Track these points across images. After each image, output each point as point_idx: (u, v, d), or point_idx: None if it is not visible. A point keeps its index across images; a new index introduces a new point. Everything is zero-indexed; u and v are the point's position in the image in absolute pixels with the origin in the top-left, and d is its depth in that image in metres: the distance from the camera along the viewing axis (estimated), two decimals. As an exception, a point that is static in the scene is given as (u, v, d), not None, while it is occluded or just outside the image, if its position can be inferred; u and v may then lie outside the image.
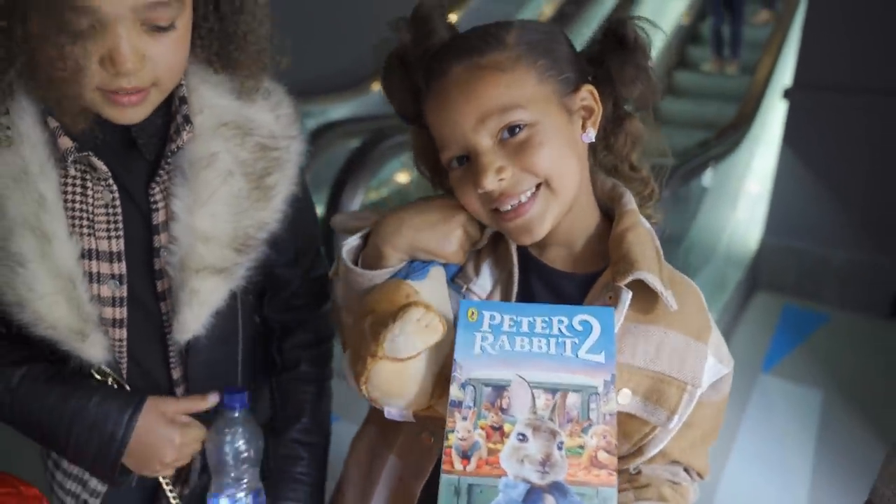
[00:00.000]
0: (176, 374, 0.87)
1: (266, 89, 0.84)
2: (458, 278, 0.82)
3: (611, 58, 0.76)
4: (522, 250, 0.80)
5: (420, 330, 0.69)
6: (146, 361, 0.85)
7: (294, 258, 0.93)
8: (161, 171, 0.79)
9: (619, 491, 0.76)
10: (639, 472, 0.82)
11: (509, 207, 0.72)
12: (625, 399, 0.74)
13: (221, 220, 0.79)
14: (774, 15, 5.63)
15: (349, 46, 4.30)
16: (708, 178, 3.12)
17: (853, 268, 3.53)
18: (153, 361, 0.85)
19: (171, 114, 0.78)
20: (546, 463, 0.63)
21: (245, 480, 0.87)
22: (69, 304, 0.75)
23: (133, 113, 0.72)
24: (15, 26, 0.63)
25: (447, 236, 0.77)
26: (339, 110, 4.00)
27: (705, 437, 0.82)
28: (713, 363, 0.76)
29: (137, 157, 0.79)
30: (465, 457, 0.64)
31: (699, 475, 0.85)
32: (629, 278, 0.71)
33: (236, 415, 0.86)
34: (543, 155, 0.71)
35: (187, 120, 0.78)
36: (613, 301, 0.72)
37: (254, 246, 0.82)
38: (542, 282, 0.79)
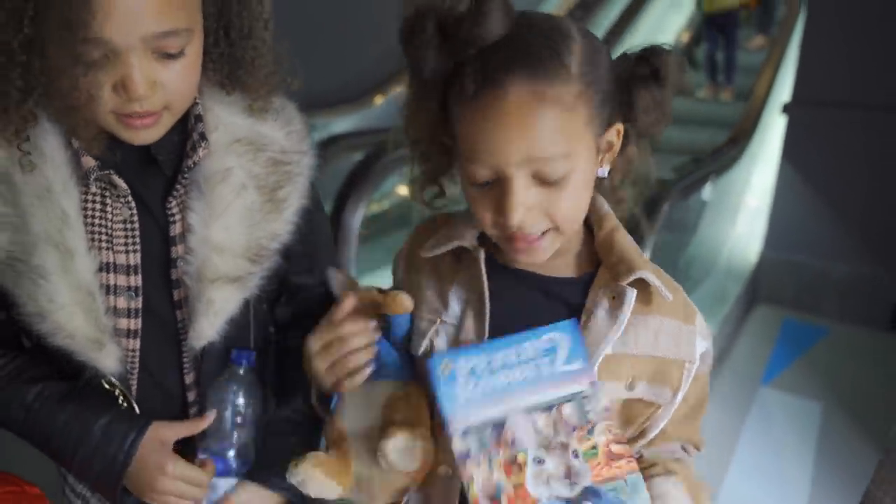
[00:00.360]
0: (189, 379, 0.89)
1: (277, 107, 0.88)
2: (426, 314, 0.82)
3: (639, 89, 0.73)
4: (492, 264, 0.80)
5: (408, 456, 0.72)
6: (160, 369, 0.88)
7: (309, 269, 0.96)
8: (178, 186, 0.82)
9: None
10: (641, 457, 0.84)
11: (520, 238, 0.73)
12: (638, 388, 0.78)
13: (235, 231, 0.83)
14: (769, 40, 5.65)
15: (352, 60, 4.35)
16: (707, 192, 3.15)
17: (852, 281, 3.55)
18: (167, 368, 0.88)
19: (188, 131, 0.82)
20: (569, 474, 0.66)
21: (236, 442, 0.89)
22: (87, 316, 0.78)
23: (146, 134, 0.76)
24: (33, 59, 0.67)
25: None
26: (342, 124, 4.04)
27: (695, 409, 0.85)
28: (699, 340, 0.82)
29: (156, 173, 0.83)
30: (495, 498, 0.65)
31: (696, 448, 0.88)
32: (631, 278, 0.75)
33: (241, 371, 0.89)
34: (569, 204, 0.71)
35: (203, 137, 0.82)
36: (618, 301, 0.75)
37: (266, 256, 0.86)
38: (520, 291, 0.80)
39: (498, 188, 0.69)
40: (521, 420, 0.68)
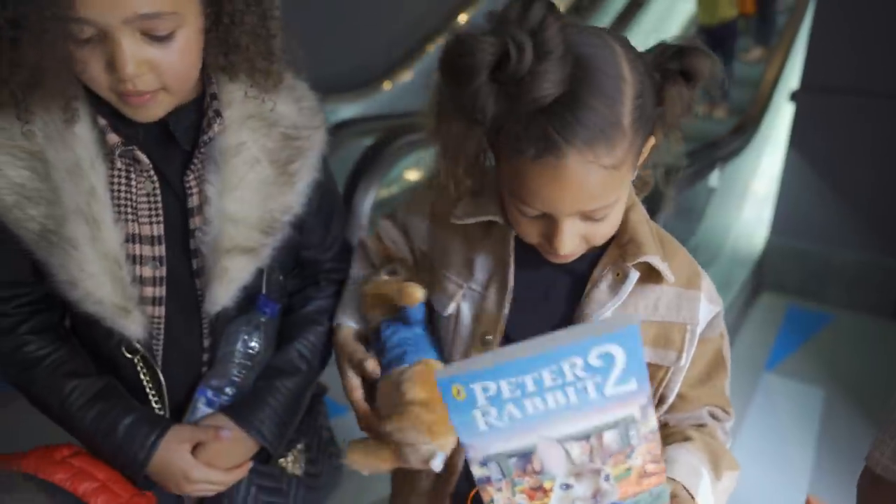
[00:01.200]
0: (206, 342, 0.94)
1: (289, 85, 0.92)
2: (452, 276, 0.87)
3: (670, 84, 0.73)
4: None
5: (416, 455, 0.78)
6: (182, 334, 0.93)
7: (321, 240, 1.01)
8: (195, 160, 0.87)
9: None
10: (665, 425, 0.88)
11: (558, 256, 0.79)
12: (645, 353, 0.82)
13: (249, 203, 0.88)
14: (768, 52, 5.31)
15: (360, 46, 4.35)
16: (715, 178, 3.16)
17: (858, 269, 3.56)
18: (188, 333, 0.93)
19: (204, 108, 0.87)
20: (597, 495, 0.62)
21: (237, 383, 0.93)
22: (114, 283, 0.83)
23: (145, 112, 0.80)
24: (22, 35, 0.70)
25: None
26: (350, 109, 4.05)
27: (710, 373, 0.89)
28: (706, 304, 0.85)
29: (174, 149, 0.87)
30: None
31: (724, 411, 0.90)
32: (637, 260, 0.80)
33: (262, 319, 0.94)
34: (608, 231, 0.78)
35: (218, 114, 0.86)
36: (621, 278, 0.81)
37: (279, 228, 0.91)
38: (537, 262, 0.83)
39: (545, 220, 0.74)
40: (553, 450, 0.59)
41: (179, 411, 0.96)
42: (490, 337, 0.85)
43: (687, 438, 0.83)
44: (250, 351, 0.93)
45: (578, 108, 0.65)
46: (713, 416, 0.90)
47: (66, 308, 0.91)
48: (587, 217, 0.73)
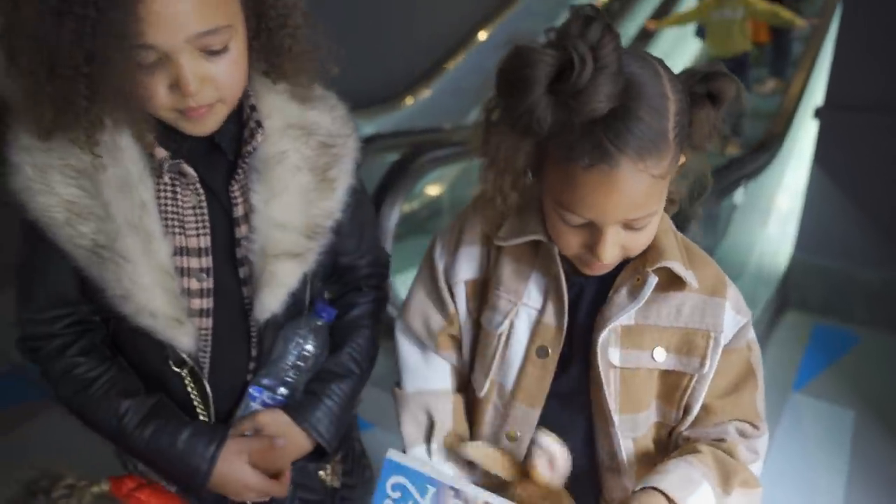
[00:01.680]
0: (254, 352, 0.95)
1: (321, 95, 0.95)
2: (503, 293, 0.89)
3: (696, 107, 0.77)
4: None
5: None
6: (229, 345, 0.94)
7: (357, 246, 1.03)
8: (239, 170, 0.89)
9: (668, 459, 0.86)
10: (688, 440, 0.89)
11: (599, 266, 0.82)
12: (660, 356, 0.85)
13: (294, 209, 0.90)
14: (783, 83, 5.13)
15: (382, 63, 4.38)
16: (739, 195, 3.14)
17: (884, 287, 3.50)
18: (234, 343, 0.94)
19: (243, 120, 0.89)
20: None
21: (290, 384, 0.95)
22: (166, 295, 0.84)
23: (203, 125, 0.83)
24: (95, 70, 0.72)
25: None
26: (373, 125, 4.07)
27: (738, 385, 0.89)
28: (732, 315, 0.87)
29: (218, 160, 0.89)
30: None
31: (753, 426, 0.90)
32: (657, 265, 0.83)
33: (319, 323, 0.96)
34: (647, 239, 0.81)
35: (259, 124, 0.88)
36: (641, 283, 0.83)
37: (322, 233, 0.93)
38: (570, 272, 0.87)
39: (588, 229, 0.78)
40: None
41: (225, 422, 0.96)
42: (550, 350, 0.88)
43: (695, 452, 0.85)
44: (305, 353, 0.94)
45: (631, 120, 0.70)
46: (741, 433, 0.89)
47: (111, 327, 0.93)
48: (629, 226, 0.77)
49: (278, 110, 0.90)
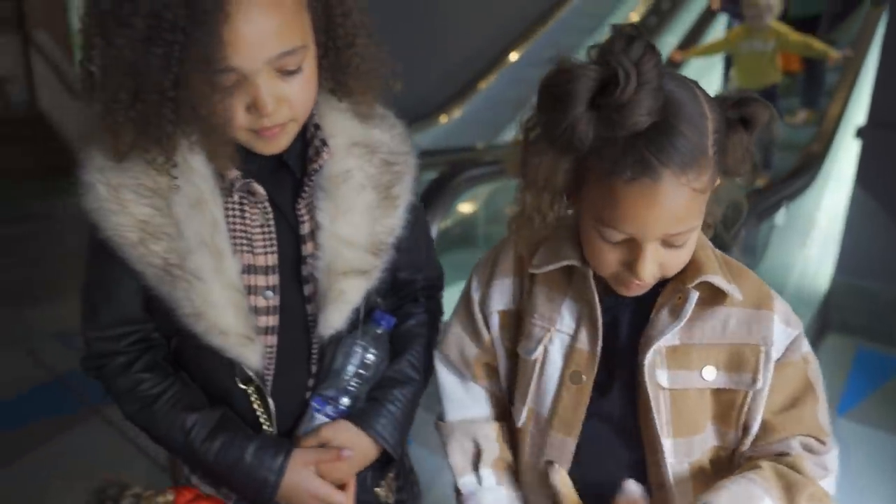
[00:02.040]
0: (314, 368, 0.96)
1: (381, 113, 0.97)
2: (538, 320, 0.90)
3: (732, 134, 0.78)
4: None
5: None
6: (290, 360, 0.94)
7: (415, 261, 1.05)
8: (305, 188, 0.90)
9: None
10: (749, 459, 0.87)
11: (637, 286, 0.82)
12: (710, 375, 0.84)
13: (359, 227, 0.91)
14: (815, 114, 4.96)
15: (416, 82, 4.43)
16: (780, 216, 3.09)
17: (929, 310, 3.41)
18: (296, 359, 0.95)
19: (308, 138, 0.90)
20: None
21: (352, 394, 0.95)
22: (237, 313, 0.85)
23: (276, 144, 0.84)
24: (179, 94, 0.75)
25: None
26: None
27: (797, 399, 0.86)
28: (782, 328, 0.85)
29: (284, 178, 0.91)
30: None
31: (819, 441, 0.87)
32: (697, 281, 0.82)
33: (378, 331, 0.97)
34: (685, 258, 0.81)
35: (324, 143, 0.90)
36: (682, 300, 0.83)
37: (385, 250, 0.94)
38: (605, 293, 0.87)
39: (628, 246, 0.78)
40: None
41: (287, 436, 0.97)
42: (584, 376, 0.87)
43: (755, 468, 0.82)
44: (367, 362, 0.95)
45: (673, 135, 0.71)
46: (806, 448, 0.86)
47: (174, 344, 0.94)
48: (668, 243, 0.76)
49: (342, 128, 0.92)
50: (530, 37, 5.62)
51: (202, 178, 0.84)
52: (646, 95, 0.69)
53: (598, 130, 0.71)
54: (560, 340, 0.89)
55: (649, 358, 0.83)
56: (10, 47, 8.97)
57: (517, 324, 0.94)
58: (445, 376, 1.01)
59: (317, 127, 0.91)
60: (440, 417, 1.02)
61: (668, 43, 5.54)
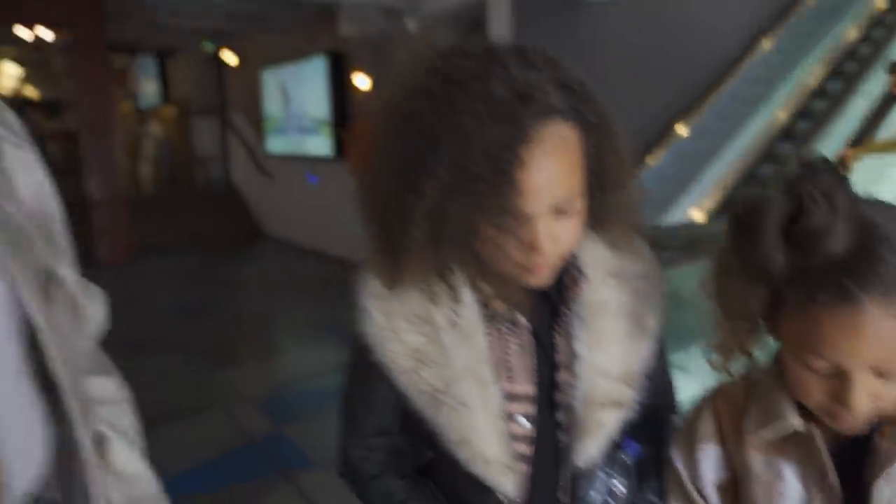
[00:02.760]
0: (566, 497, 0.95)
1: (629, 240, 0.96)
2: (760, 492, 0.82)
3: None
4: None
5: None
6: (540, 489, 0.94)
7: (659, 387, 1.02)
8: (562, 317, 0.91)
9: None
10: None
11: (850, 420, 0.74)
12: None
13: (615, 358, 0.91)
14: None
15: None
16: None
17: None
18: (545, 487, 0.94)
19: (565, 266, 0.91)
20: None
21: None
22: (500, 442, 0.87)
23: (541, 279, 0.85)
24: (471, 238, 0.79)
25: None
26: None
27: None
28: None
29: (543, 307, 0.92)
30: None
31: None
32: None
33: (627, 460, 0.96)
34: None
35: (580, 272, 0.91)
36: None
37: (638, 380, 0.93)
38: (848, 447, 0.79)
39: (836, 378, 0.72)
40: None
41: None
42: None
43: None
44: (615, 491, 0.95)
45: (875, 261, 0.67)
46: None
47: (427, 457, 0.96)
48: (881, 374, 0.70)
49: (596, 258, 0.93)
50: (694, 113, 5.47)
51: (470, 309, 0.87)
52: (839, 221, 0.68)
53: (792, 258, 0.70)
54: None
55: (885, 495, 0.74)
56: (213, 132, 10.24)
57: (734, 490, 0.87)
58: None
59: (573, 256, 0.92)
60: None
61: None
